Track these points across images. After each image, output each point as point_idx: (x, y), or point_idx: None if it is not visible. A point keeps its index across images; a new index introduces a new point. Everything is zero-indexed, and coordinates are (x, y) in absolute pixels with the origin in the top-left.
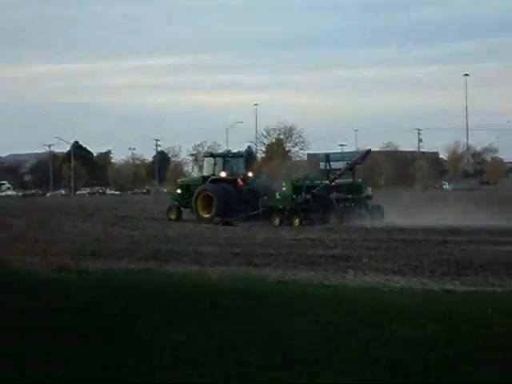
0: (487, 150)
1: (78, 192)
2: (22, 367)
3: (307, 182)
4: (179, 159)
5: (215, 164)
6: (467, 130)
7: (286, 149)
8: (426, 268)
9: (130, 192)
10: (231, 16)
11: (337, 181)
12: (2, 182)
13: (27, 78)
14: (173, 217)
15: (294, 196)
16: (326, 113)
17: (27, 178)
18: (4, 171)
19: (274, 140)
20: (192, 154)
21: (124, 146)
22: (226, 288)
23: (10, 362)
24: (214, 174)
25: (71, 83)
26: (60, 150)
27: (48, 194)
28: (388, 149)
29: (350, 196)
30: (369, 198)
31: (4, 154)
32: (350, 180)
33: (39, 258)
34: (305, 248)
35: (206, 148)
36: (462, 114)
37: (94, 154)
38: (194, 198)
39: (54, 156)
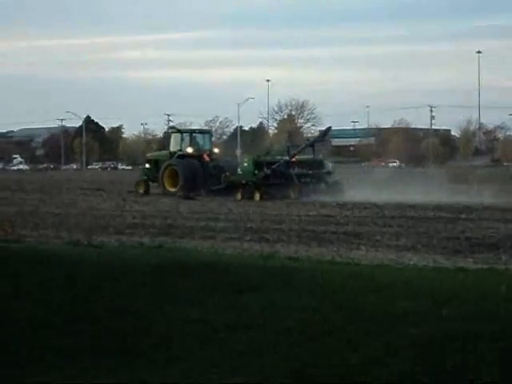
0: (499, 127)
1: (89, 167)
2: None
3: (268, 157)
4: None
5: (182, 140)
6: (479, 108)
7: (298, 125)
8: (438, 245)
9: (140, 167)
10: None
11: (298, 157)
12: (14, 156)
13: (40, 52)
14: (141, 191)
15: (256, 171)
16: (338, 89)
17: (39, 152)
18: (16, 145)
19: (285, 116)
20: None
21: (136, 121)
22: (239, 264)
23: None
24: (180, 150)
25: (83, 57)
26: (72, 125)
27: (62, 168)
28: (400, 126)
29: (310, 172)
30: (329, 173)
31: (16, 129)
32: (311, 156)
33: (52, 232)
34: (317, 224)
35: (217, 123)
36: (474, 91)
37: (106, 129)
38: (160, 173)
39: (65, 131)
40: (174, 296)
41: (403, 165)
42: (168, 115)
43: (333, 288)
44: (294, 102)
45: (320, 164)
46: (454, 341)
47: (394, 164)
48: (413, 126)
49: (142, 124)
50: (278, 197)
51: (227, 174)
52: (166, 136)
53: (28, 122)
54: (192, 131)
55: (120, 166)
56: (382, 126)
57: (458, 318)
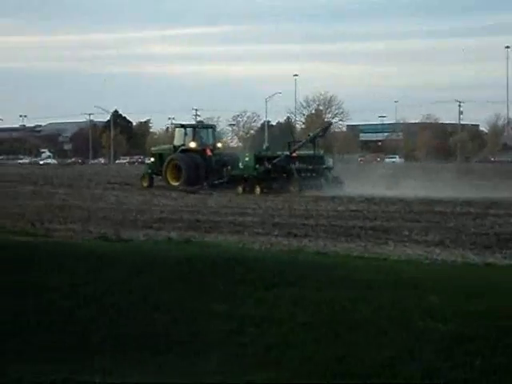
0: None
1: (117, 161)
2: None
3: (269, 152)
4: (218, 129)
5: (186, 134)
6: (507, 103)
7: (326, 120)
8: (466, 241)
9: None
10: None
11: (299, 152)
12: (42, 150)
13: (69, 47)
14: (145, 184)
15: (257, 166)
16: (366, 84)
17: (67, 146)
18: (44, 140)
19: (313, 111)
20: (231, 124)
21: (163, 116)
22: (267, 259)
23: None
24: (184, 144)
25: (111, 52)
26: (100, 120)
27: (90, 162)
28: (428, 121)
29: (310, 167)
30: (329, 169)
31: (44, 123)
32: (312, 152)
33: (80, 226)
34: (345, 219)
35: (245, 118)
36: (503, 86)
37: (134, 123)
38: (164, 167)
39: (94, 125)
40: (202, 290)
41: (402, 160)
42: (195, 110)
43: (361, 283)
44: (321, 97)
45: (320, 159)
46: (482, 337)
47: (394, 160)
48: (441, 121)
49: (169, 118)
50: (279, 191)
51: (229, 168)
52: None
53: (56, 117)
54: (195, 126)
55: (147, 161)
56: (410, 121)
57: (486, 313)
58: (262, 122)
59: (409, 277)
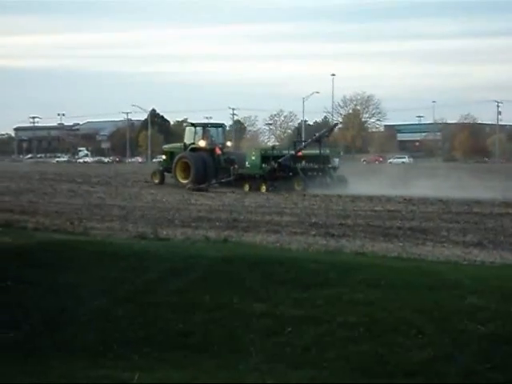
0: None
1: (154, 160)
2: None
3: (274, 151)
4: (255, 128)
5: (195, 133)
6: None
7: (363, 119)
8: (505, 241)
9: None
10: None
11: (305, 151)
12: (80, 148)
13: (107, 45)
14: (156, 181)
15: (263, 164)
16: (404, 84)
17: (104, 145)
18: (82, 138)
19: (350, 111)
20: (268, 124)
21: (200, 115)
22: (305, 259)
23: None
24: (193, 143)
25: (149, 51)
26: (137, 118)
27: (128, 161)
28: (466, 121)
29: (316, 166)
30: (334, 168)
31: (82, 122)
32: (317, 151)
33: (117, 225)
34: (382, 219)
35: (282, 118)
36: None
37: (171, 122)
38: (173, 165)
39: (131, 124)
40: (241, 290)
41: (411, 160)
42: (232, 109)
43: (399, 284)
44: (359, 97)
45: (326, 159)
46: None
47: (404, 160)
48: (479, 122)
49: (206, 118)
50: (284, 189)
51: (236, 166)
52: (231, 129)
53: (94, 115)
54: (205, 125)
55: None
56: (448, 121)
57: None
58: (298, 121)
59: (447, 278)
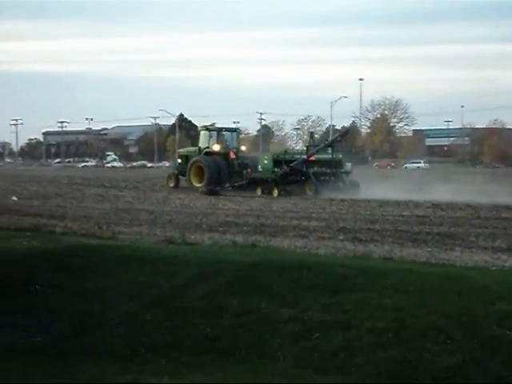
0: None
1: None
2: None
3: (287, 156)
4: (283, 133)
5: (210, 137)
6: None
7: (391, 124)
8: None
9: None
10: None
11: (318, 156)
12: (108, 153)
13: (134, 50)
14: (171, 184)
15: (275, 169)
16: (432, 88)
17: (132, 149)
18: (110, 143)
19: (378, 115)
20: (296, 128)
21: (228, 120)
22: (333, 264)
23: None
24: (208, 147)
25: (176, 55)
26: (165, 123)
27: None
28: (494, 126)
29: (328, 170)
30: (347, 173)
31: (110, 126)
32: (330, 156)
33: (146, 229)
34: (410, 225)
35: (309, 122)
36: None
37: (199, 127)
38: (188, 168)
39: (159, 128)
40: (269, 295)
41: (427, 165)
42: (260, 114)
43: (427, 289)
44: (387, 101)
45: (339, 163)
46: None
47: (420, 165)
48: (508, 127)
49: (234, 122)
50: (296, 193)
51: (249, 170)
52: (259, 134)
53: (122, 120)
54: (219, 129)
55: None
56: (476, 126)
57: None
58: (326, 126)
59: (476, 283)
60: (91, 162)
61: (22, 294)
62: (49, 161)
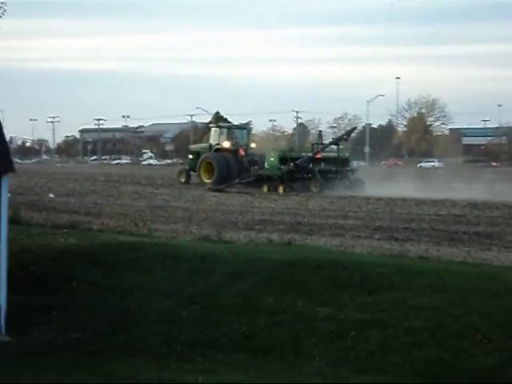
0: None
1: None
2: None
3: (292, 153)
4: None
5: (220, 134)
6: None
7: (428, 123)
8: None
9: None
10: None
11: (324, 154)
12: (144, 151)
13: (170, 48)
14: (182, 180)
15: (280, 166)
16: (469, 87)
17: (168, 147)
18: (146, 140)
19: (415, 114)
20: (332, 127)
21: (264, 117)
22: (369, 263)
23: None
24: (218, 144)
25: (212, 53)
26: (201, 121)
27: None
28: None
29: (334, 168)
30: (353, 171)
31: (146, 124)
32: (335, 154)
33: (182, 227)
34: (447, 224)
35: (346, 121)
36: None
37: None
38: (198, 165)
39: (195, 126)
40: (305, 293)
41: (441, 164)
42: (296, 112)
43: (464, 289)
44: (423, 100)
45: (345, 162)
46: None
47: (434, 164)
48: None
49: (270, 120)
50: (300, 190)
51: (256, 167)
52: (295, 132)
53: (158, 118)
54: (230, 126)
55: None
56: None
57: None
58: (363, 124)
59: None
60: (124, 160)
61: (59, 291)
62: (85, 158)
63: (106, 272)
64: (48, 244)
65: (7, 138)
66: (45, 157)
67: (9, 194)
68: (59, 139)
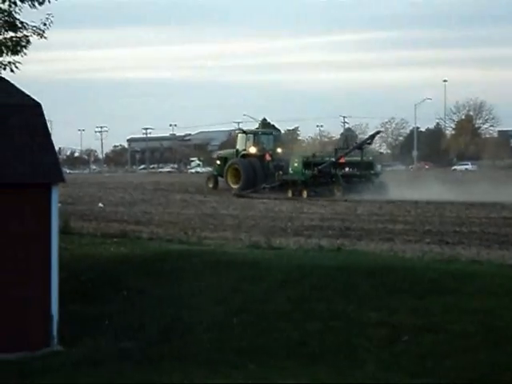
0: None
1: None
2: None
3: (317, 158)
4: (366, 136)
5: (247, 140)
6: None
7: (476, 125)
8: None
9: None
10: None
11: (348, 158)
12: (192, 159)
13: (217, 56)
14: (211, 185)
15: (304, 171)
16: None
17: (215, 154)
18: (193, 148)
19: (463, 116)
20: (379, 131)
21: (312, 123)
22: (420, 267)
23: None
24: (245, 149)
25: (259, 60)
26: (248, 128)
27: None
28: None
29: (357, 172)
30: (377, 174)
31: (194, 132)
32: (358, 158)
33: (231, 234)
34: (498, 227)
35: (393, 125)
36: None
37: (282, 131)
38: (225, 170)
39: None
40: (356, 298)
41: (475, 167)
42: (343, 117)
43: None
44: (471, 103)
45: (369, 165)
46: None
47: (467, 167)
48: None
49: (317, 126)
50: (324, 194)
51: (280, 172)
52: (342, 138)
53: (206, 126)
54: (256, 132)
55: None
56: None
57: None
58: (410, 128)
59: None
60: (167, 168)
61: (110, 300)
62: (133, 167)
63: (157, 280)
64: (98, 253)
65: (56, 149)
66: (93, 167)
67: (59, 204)
68: (107, 149)
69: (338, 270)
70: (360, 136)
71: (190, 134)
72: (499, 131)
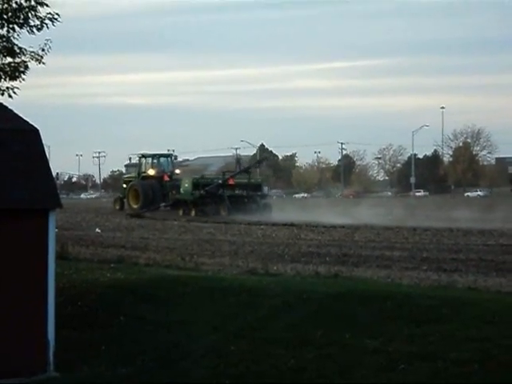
0: None
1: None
2: None
3: (205, 180)
4: (364, 162)
5: (147, 163)
6: None
7: (474, 152)
8: None
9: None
10: (415, 20)
11: (238, 180)
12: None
13: (214, 82)
14: (117, 207)
15: (193, 191)
16: None
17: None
18: (191, 174)
19: (460, 144)
20: (377, 158)
21: (309, 150)
22: (417, 294)
23: None
24: (144, 172)
25: (256, 87)
26: (246, 153)
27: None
28: None
29: (244, 193)
30: (263, 196)
31: (192, 157)
32: (246, 180)
33: (228, 260)
34: (495, 254)
35: (391, 151)
36: None
37: (280, 157)
38: (126, 192)
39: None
40: (353, 325)
41: (486, 192)
42: (341, 143)
43: None
44: (469, 130)
45: (257, 187)
46: None
47: (479, 193)
48: None
49: (315, 152)
50: (210, 214)
51: (173, 192)
52: (340, 164)
53: (203, 151)
54: (154, 155)
55: (298, 195)
56: None
57: None
58: (408, 155)
59: None
60: None
61: (106, 326)
62: None
63: (154, 306)
64: (95, 279)
65: (54, 174)
66: (91, 192)
67: (56, 229)
68: (105, 174)
69: (335, 296)
70: (358, 163)
71: (188, 160)
72: (497, 158)
